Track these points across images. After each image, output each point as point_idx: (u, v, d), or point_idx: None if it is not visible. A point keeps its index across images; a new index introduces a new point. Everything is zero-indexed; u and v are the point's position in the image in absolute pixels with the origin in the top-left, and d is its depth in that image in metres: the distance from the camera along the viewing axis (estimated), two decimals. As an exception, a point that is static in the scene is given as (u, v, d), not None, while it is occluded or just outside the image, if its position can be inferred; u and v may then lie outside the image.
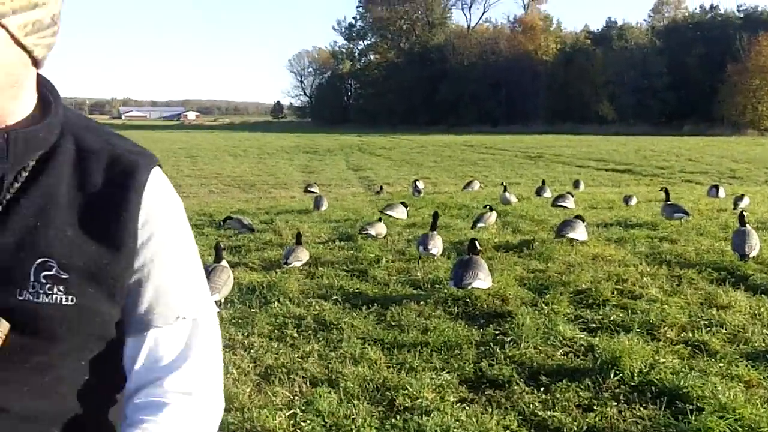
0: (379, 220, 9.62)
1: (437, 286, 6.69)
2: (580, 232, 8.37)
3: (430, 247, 7.76)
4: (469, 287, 6.09)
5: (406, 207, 11.16)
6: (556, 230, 8.61)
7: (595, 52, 72.42)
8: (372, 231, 9.00)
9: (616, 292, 6.51)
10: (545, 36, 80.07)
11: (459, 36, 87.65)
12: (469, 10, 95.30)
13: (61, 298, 1.06)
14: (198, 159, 28.03)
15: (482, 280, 6.12)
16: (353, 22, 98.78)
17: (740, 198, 12.42)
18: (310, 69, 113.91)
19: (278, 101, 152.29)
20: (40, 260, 1.06)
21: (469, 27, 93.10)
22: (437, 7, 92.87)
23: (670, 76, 67.33)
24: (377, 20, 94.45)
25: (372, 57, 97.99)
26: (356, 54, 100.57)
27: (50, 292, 1.05)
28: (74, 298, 1.07)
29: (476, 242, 6.75)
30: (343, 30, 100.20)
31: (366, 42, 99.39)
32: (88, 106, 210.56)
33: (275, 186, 18.72)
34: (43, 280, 1.05)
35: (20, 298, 1.04)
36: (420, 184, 16.06)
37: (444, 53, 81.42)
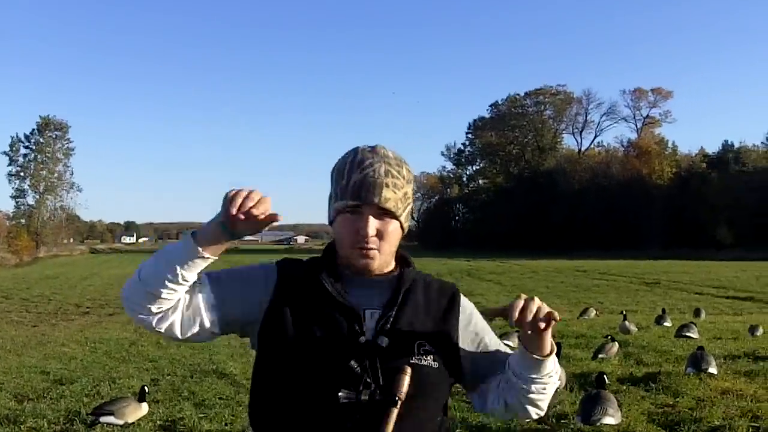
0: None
1: (563, 421, 6.49)
2: (713, 366, 8.13)
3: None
4: (598, 424, 5.92)
5: (522, 335, 10.99)
6: (691, 364, 8.31)
7: (711, 175, 71.16)
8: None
9: (752, 430, 6.21)
10: (659, 160, 79.52)
11: (570, 160, 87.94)
12: (581, 134, 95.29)
13: (431, 363, 1.79)
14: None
15: (611, 416, 5.95)
16: (462, 147, 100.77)
17: None
18: (418, 194, 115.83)
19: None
20: (419, 341, 1.80)
21: (580, 151, 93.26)
22: (548, 132, 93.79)
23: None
24: (486, 145, 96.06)
25: (481, 182, 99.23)
26: (465, 179, 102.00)
27: (426, 359, 1.79)
28: (437, 363, 1.80)
29: (604, 376, 6.61)
30: (452, 155, 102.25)
31: (475, 167, 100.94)
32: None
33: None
34: (422, 353, 1.79)
35: (411, 361, 1.76)
36: (534, 311, 15.84)
37: (554, 178, 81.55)
